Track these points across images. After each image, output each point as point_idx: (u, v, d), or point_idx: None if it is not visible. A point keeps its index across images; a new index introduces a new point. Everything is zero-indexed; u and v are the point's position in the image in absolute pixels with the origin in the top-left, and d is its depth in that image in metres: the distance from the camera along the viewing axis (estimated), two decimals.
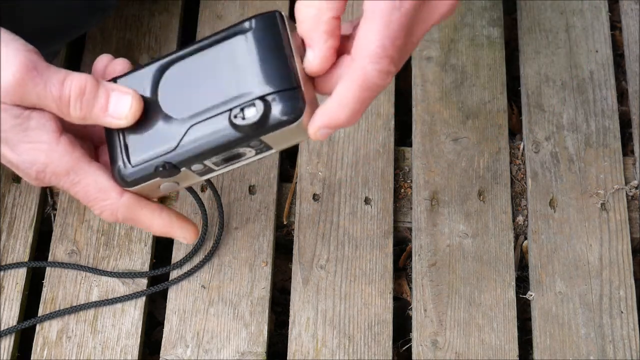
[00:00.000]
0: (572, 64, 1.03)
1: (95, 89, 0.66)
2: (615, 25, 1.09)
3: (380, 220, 0.94)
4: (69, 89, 0.66)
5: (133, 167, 0.68)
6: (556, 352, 0.88)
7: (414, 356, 0.88)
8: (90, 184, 0.69)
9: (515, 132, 1.02)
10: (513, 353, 0.88)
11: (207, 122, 0.65)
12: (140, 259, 0.91)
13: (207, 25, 1.05)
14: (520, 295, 0.92)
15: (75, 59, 1.03)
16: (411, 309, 0.91)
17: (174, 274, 0.91)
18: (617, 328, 0.89)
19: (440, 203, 0.95)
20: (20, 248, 0.92)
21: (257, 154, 0.67)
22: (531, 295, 0.91)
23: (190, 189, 0.81)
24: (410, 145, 0.99)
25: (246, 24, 0.65)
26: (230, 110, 0.64)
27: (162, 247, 0.95)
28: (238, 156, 0.67)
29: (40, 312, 0.89)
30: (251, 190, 0.95)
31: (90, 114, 0.66)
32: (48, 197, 0.95)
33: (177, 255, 0.92)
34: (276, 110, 0.63)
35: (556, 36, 1.05)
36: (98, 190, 0.69)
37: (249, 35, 0.65)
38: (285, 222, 0.95)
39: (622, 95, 1.04)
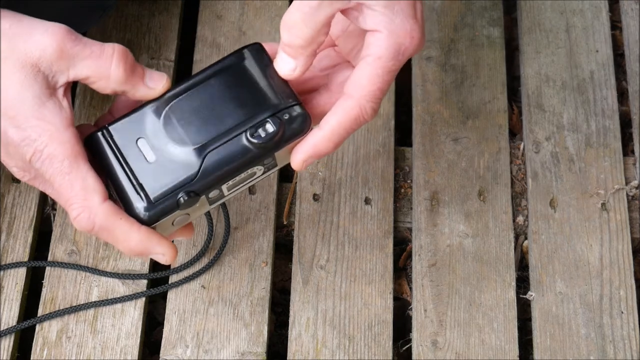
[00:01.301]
0: (573, 64, 1.03)
1: (134, 59, 0.69)
2: (615, 25, 1.09)
3: (380, 220, 0.94)
4: (112, 49, 0.68)
5: (154, 203, 0.69)
6: (556, 352, 0.88)
7: (414, 356, 0.88)
8: (78, 179, 0.68)
9: (515, 132, 1.02)
10: (513, 353, 0.88)
11: (224, 146, 0.69)
12: (140, 259, 0.91)
13: (207, 25, 1.05)
14: (521, 296, 0.92)
15: None
16: (411, 309, 0.91)
17: (174, 277, 0.91)
18: (617, 328, 0.89)
19: (441, 203, 0.95)
20: (20, 248, 0.92)
21: (264, 172, 0.72)
22: (531, 295, 0.91)
23: None
24: (411, 145, 0.99)
25: (238, 55, 0.71)
26: (245, 131, 0.69)
27: None
28: (250, 176, 0.71)
29: (40, 312, 0.89)
30: (251, 190, 0.95)
31: (132, 77, 0.69)
32: (48, 197, 0.95)
33: (177, 255, 0.92)
34: (289, 122, 0.69)
35: (556, 36, 1.05)
36: (83, 188, 0.68)
37: (244, 64, 0.71)
38: (285, 222, 0.95)
39: (622, 95, 1.04)
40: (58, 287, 0.90)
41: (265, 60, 0.71)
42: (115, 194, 0.70)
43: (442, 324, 0.89)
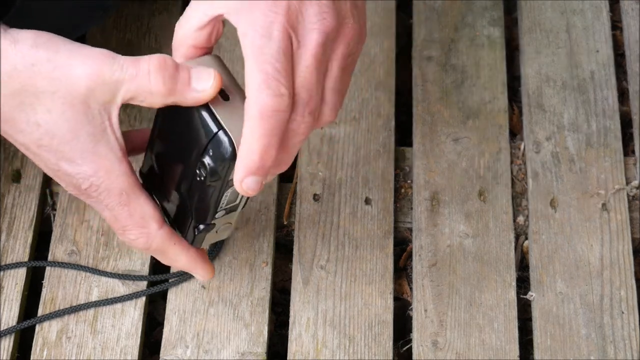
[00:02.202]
0: (573, 64, 1.03)
1: (176, 64, 0.66)
2: (616, 25, 1.08)
3: (380, 221, 0.94)
4: (147, 65, 0.65)
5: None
6: (557, 352, 0.88)
7: (414, 356, 0.88)
8: (137, 209, 0.70)
9: (515, 132, 1.02)
10: (514, 353, 0.88)
11: (192, 187, 0.70)
12: (140, 259, 0.91)
13: None
14: (521, 296, 0.92)
15: None
16: (411, 309, 0.91)
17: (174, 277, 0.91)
18: (617, 328, 0.89)
19: (441, 203, 0.95)
20: (20, 248, 0.91)
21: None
22: (532, 295, 0.91)
23: None
24: (411, 145, 0.99)
25: None
26: (195, 172, 0.69)
27: None
28: (236, 194, 0.72)
29: (40, 313, 0.88)
30: None
31: (175, 88, 0.66)
32: (48, 197, 0.95)
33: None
34: (213, 161, 0.67)
35: (557, 36, 1.05)
36: (141, 217, 0.71)
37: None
38: (285, 223, 0.95)
39: (623, 95, 1.04)
40: (58, 287, 0.90)
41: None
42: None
43: (443, 324, 0.89)
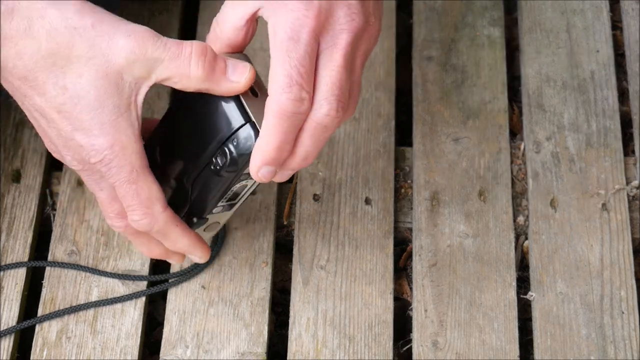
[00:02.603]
0: (573, 64, 1.03)
1: (215, 53, 0.69)
2: (616, 25, 1.08)
3: (380, 221, 0.94)
4: (190, 48, 0.67)
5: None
6: (557, 352, 0.88)
7: (414, 356, 0.88)
8: (144, 189, 0.71)
9: (515, 132, 1.02)
10: (514, 353, 0.88)
11: (201, 176, 0.72)
12: (140, 259, 0.91)
13: (207, 26, 1.04)
14: (521, 296, 0.92)
15: None
16: (412, 309, 0.91)
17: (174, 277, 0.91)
18: (618, 328, 0.89)
19: (441, 203, 0.95)
20: (19, 248, 0.91)
21: (255, 182, 0.74)
22: (532, 295, 0.91)
23: None
24: (411, 145, 0.99)
25: None
26: (210, 161, 0.71)
27: None
28: (243, 188, 0.74)
29: (40, 313, 0.88)
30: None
31: (212, 74, 0.68)
32: (48, 197, 0.95)
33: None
34: (236, 150, 0.70)
35: (557, 36, 1.05)
36: (147, 198, 0.72)
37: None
38: (285, 223, 0.95)
39: (623, 95, 1.04)
40: (58, 287, 0.90)
41: None
42: None
43: (443, 324, 0.89)
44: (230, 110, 0.70)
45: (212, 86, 0.69)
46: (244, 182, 0.74)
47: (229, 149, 0.70)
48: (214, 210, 0.76)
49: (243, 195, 0.77)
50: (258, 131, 0.69)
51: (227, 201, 0.76)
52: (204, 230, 0.79)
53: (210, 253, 0.81)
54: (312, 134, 0.69)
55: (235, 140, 0.69)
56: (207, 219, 0.76)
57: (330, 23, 0.68)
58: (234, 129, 0.69)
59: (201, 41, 0.69)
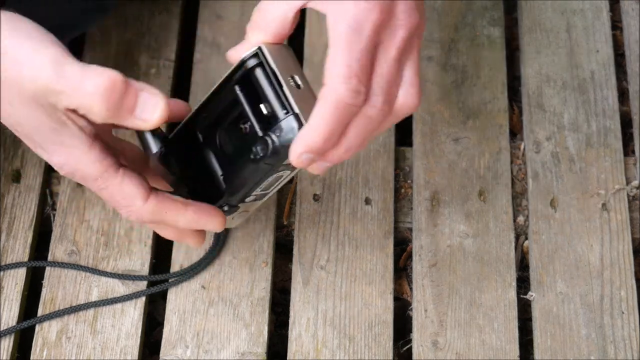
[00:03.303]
0: (573, 64, 1.03)
1: (125, 87, 0.65)
2: (616, 25, 1.08)
3: (380, 221, 0.94)
4: (93, 81, 0.64)
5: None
6: (557, 352, 0.88)
7: (414, 356, 0.88)
8: (116, 191, 0.70)
9: (515, 132, 1.02)
10: (514, 353, 0.88)
11: (239, 164, 0.72)
12: (140, 259, 0.91)
13: (207, 26, 1.05)
14: (521, 296, 0.92)
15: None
16: (412, 309, 0.91)
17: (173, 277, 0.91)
18: (618, 328, 0.89)
19: (441, 203, 0.95)
20: (19, 248, 0.91)
21: (292, 170, 0.74)
22: (532, 295, 0.91)
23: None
24: (411, 145, 0.99)
25: (239, 68, 0.71)
26: (250, 149, 0.70)
27: (162, 247, 0.95)
28: (278, 179, 0.74)
29: (40, 313, 0.88)
30: None
31: (117, 113, 0.65)
32: (48, 197, 0.95)
33: (177, 255, 0.92)
34: (278, 141, 0.69)
35: (557, 36, 1.05)
36: (123, 197, 0.71)
37: (244, 76, 0.71)
38: (285, 222, 0.95)
39: (623, 95, 1.04)
40: (58, 287, 0.90)
41: (265, 68, 0.71)
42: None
43: (443, 324, 0.89)
44: (276, 99, 0.69)
45: (118, 122, 0.66)
46: (280, 173, 0.73)
47: (271, 139, 0.69)
48: (246, 199, 0.75)
49: (277, 186, 0.76)
50: (302, 123, 0.68)
51: (261, 191, 0.75)
52: (233, 218, 0.78)
53: (224, 218, 0.75)
54: (358, 126, 0.68)
55: (278, 131, 0.69)
56: (239, 207, 0.76)
57: (390, 18, 0.68)
58: (279, 119, 0.69)
59: (113, 71, 0.64)
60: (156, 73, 1.01)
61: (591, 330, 0.89)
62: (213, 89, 0.73)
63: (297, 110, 0.69)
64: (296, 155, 0.68)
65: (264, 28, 0.70)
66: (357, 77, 0.66)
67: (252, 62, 0.70)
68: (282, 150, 0.69)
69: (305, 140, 0.67)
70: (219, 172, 0.74)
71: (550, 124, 1.00)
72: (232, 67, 0.71)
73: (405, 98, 0.70)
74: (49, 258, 0.91)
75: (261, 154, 0.69)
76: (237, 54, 0.71)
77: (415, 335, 0.89)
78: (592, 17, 1.06)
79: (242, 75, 0.71)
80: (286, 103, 0.69)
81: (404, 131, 1.03)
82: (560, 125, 0.99)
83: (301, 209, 0.94)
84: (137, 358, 0.87)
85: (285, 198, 0.96)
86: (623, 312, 0.89)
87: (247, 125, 0.72)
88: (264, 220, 0.93)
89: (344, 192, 0.95)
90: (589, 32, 1.05)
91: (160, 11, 1.05)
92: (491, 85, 1.02)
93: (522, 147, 0.99)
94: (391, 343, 0.88)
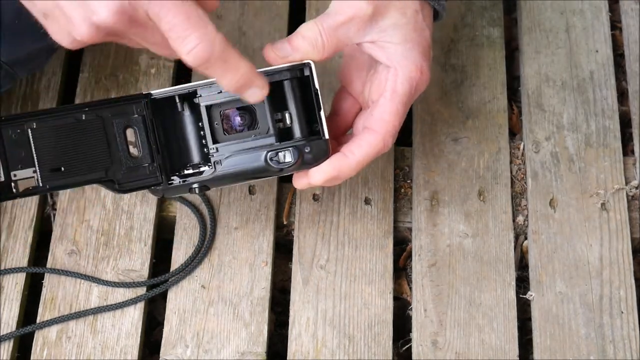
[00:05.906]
0: (573, 64, 1.03)
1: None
2: (615, 25, 1.09)
3: (380, 220, 0.94)
4: None
5: (169, 185, 0.79)
6: (556, 352, 0.88)
7: (414, 356, 0.88)
8: (192, 9, 0.66)
9: (515, 132, 1.02)
10: (513, 353, 0.88)
11: (244, 153, 0.77)
12: (140, 259, 0.91)
13: None
14: (521, 296, 0.92)
15: (75, 58, 1.03)
16: (411, 309, 0.91)
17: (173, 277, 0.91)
18: (617, 328, 0.89)
19: (441, 203, 0.95)
20: (19, 248, 0.92)
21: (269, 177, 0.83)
22: (531, 295, 0.91)
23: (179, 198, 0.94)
24: (411, 145, 0.99)
25: (294, 72, 0.78)
26: (268, 151, 0.77)
27: (161, 247, 0.95)
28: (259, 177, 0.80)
29: (40, 313, 0.88)
30: (251, 190, 0.95)
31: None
32: (48, 197, 0.95)
33: (176, 255, 0.92)
34: (308, 156, 0.77)
35: (556, 36, 1.05)
36: (199, 18, 0.66)
37: (294, 83, 0.78)
38: (285, 222, 0.95)
39: (622, 95, 1.04)
40: (58, 287, 0.90)
41: (310, 85, 0.78)
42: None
43: (442, 324, 0.89)
44: (301, 117, 0.78)
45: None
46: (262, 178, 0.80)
47: (297, 153, 0.77)
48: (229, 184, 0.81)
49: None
50: (329, 149, 0.77)
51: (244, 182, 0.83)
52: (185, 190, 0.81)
53: (268, 88, 0.73)
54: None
55: (308, 147, 0.77)
56: (209, 189, 0.79)
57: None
58: (312, 137, 0.78)
59: None
60: (156, 73, 1.01)
61: (590, 330, 0.89)
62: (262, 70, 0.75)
63: (327, 136, 0.77)
64: (317, 180, 0.77)
65: (326, 49, 0.77)
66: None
67: (299, 73, 0.77)
68: (303, 166, 0.77)
69: (340, 171, 0.77)
70: (211, 145, 0.78)
71: (549, 124, 1.00)
72: (281, 65, 0.77)
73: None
74: (49, 258, 0.91)
75: (282, 159, 0.76)
76: (280, 53, 0.77)
77: (415, 334, 0.89)
78: (592, 17, 1.06)
79: (287, 79, 0.77)
80: (320, 127, 0.77)
81: (403, 131, 1.03)
82: (560, 125, 1.00)
83: (301, 209, 0.94)
84: (137, 358, 0.87)
85: (285, 198, 0.96)
86: (622, 312, 0.89)
87: (257, 120, 0.78)
88: (264, 220, 0.93)
89: (343, 192, 0.95)
90: (588, 32, 1.05)
91: None
92: (491, 85, 1.02)
93: (521, 147, 0.99)
94: (391, 343, 0.88)
